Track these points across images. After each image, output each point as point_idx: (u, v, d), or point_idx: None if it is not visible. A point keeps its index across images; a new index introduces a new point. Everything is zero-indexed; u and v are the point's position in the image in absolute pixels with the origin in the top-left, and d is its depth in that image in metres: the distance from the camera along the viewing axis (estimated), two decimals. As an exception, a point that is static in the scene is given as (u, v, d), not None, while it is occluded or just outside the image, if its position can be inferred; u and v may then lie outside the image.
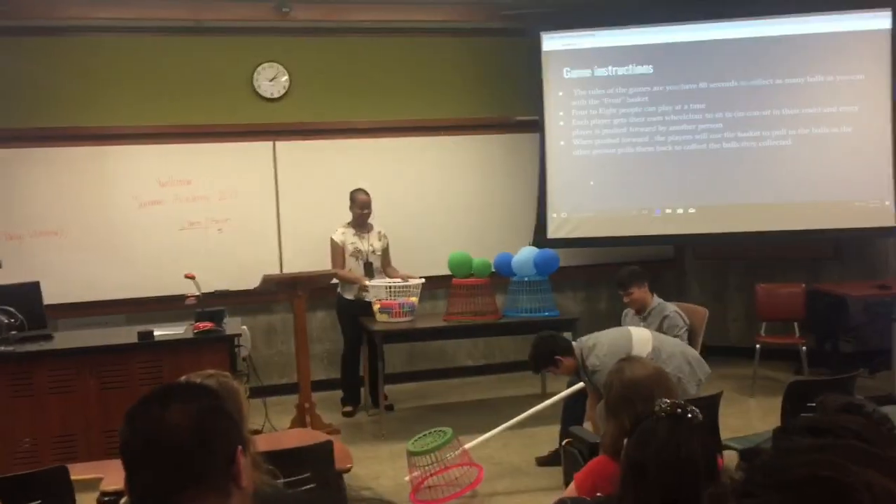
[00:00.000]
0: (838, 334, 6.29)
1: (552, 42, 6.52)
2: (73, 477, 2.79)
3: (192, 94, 6.29)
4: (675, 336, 4.46)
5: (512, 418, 4.60)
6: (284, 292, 5.43)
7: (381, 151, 6.60)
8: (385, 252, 5.97)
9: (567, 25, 6.53)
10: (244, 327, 5.17)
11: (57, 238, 6.03)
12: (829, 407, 1.58)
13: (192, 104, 6.28)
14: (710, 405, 3.52)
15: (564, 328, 5.54)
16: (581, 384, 4.32)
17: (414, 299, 5.55)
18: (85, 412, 4.45)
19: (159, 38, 6.23)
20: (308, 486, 2.77)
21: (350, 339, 5.91)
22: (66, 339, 4.89)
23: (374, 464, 4.75)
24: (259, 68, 6.42)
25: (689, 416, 1.74)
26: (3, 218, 5.90)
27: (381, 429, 5.42)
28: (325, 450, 2.99)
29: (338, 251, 5.81)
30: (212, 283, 5.32)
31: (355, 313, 5.77)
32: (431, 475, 4.15)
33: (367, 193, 5.87)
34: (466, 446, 4.32)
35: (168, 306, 5.69)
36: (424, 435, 4.27)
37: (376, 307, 5.50)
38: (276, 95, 6.46)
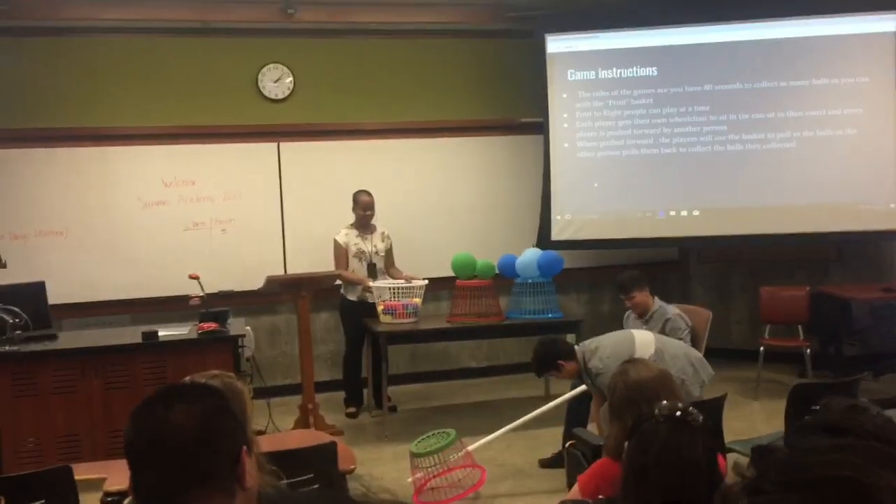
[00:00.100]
0: (842, 337, 6.27)
1: (556, 44, 6.52)
2: (76, 477, 2.79)
3: (197, 94, 6.30)
4: (678, 339, 4.46)
5: (515, 420, 4.59)
6: (288, 293, 5.43)
7: (386, 153, 6.60)
8: (388, 253, 5.97)
9: (571, 27, 6.53)
10: (248, 328, 5.18)
11: (61, 238, 6.04)
12: (833, 410, 1.57)
13: (196, 105, 6.29)
14: (713, 408, 3.52)
15: (568, 330, 5.55)
16: (583, 387, 4.32)
17: (417, 300, 5.56)
18: (89, 412, 4.46)
19: (164, 39, 6.25)
20: (311, 487, 2.77)
21: (352, 340, 5.91)
22: (70, 339, 4.90)
23: (377, 465, 4.75)
24: (264, 69, 6.43)
25: (690, 418, 1.74)
26: (9, 218, 5.91)
27: (384, 430, 5.42)
28: (329, 451, 3.00)
29: (341, 252, 5.81)
30: (216, 283, 5.33)
31: (358, 314, 5.77)
32: (434, 477, 4.15)
33: (369, 195, 5.88)
34: (469, 448, 4.32)
35: (172, 307, 5.70)
36: (428, 436, 4.27)
37: (380, 308, 5.51)
38: (280, 96, 6.47)
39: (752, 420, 5.35)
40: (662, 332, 4.54)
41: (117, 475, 2.90)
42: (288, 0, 6.07)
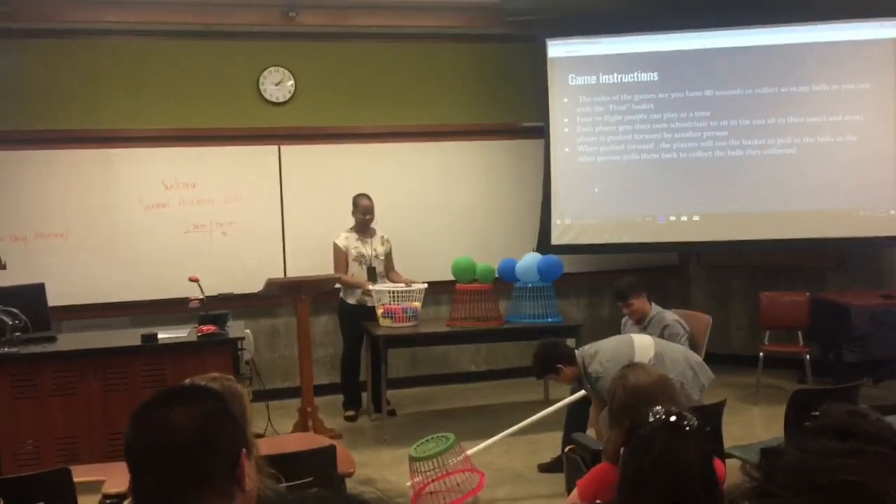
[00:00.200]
0: (842, 343, 6.26)
1: (557, 49, 6.53)
2: (75, 479, 2.79)
3: (198, 97, 6.31)
4: (677, 344, 4.46)
5: (514, 424, 4.59)
6: (288, 296, 5.43)
7: (386, 156, 6.61)
8: (388, 257, 5.97)
9: (572, 32, 6.54)
10: (247, 331, 5.18)
11: (62, 240, 6.04)
12: (839, 414, 1.57)
13: (197, 107, 6.30)
14: (713, 413, 3.51)
15: (567, 334, 5.53)
16: (582, 391, 4.32)
17: (417, 304, 5.56)
18: (88, 414, 4.45)
19: (166, 42, 6.26)
20: (310, 491, 2.76)
21: (350, 343, 5.91)
22: (69, 341, 4.89)
23: (376, 469, 4.74)
24: (265, 72, 6.43)
25: (684, 423, 1.74)
26: (9, 219, 5.91)
27: (383, 434, 5.41)
28: (328, 454, 2.99)
29: (341, 256, 5.81)
30: (216, 286, 5.33)
31: (357, 318, 5.77)
32: (433, 481, 4.15)
33: (369, 198, 5.88)
34: (468, 452, 4.31)
35: (172, 309, 5.69)
36: (427, 440, 4.26)
37: (380, 312, 5.51)
38: (281, 100, 6.48)
39: (752, 426, 5.35)
40: (661, 338, 4.53)
41: (116, 477, 2.90)
42: (289, 3, 6.09)
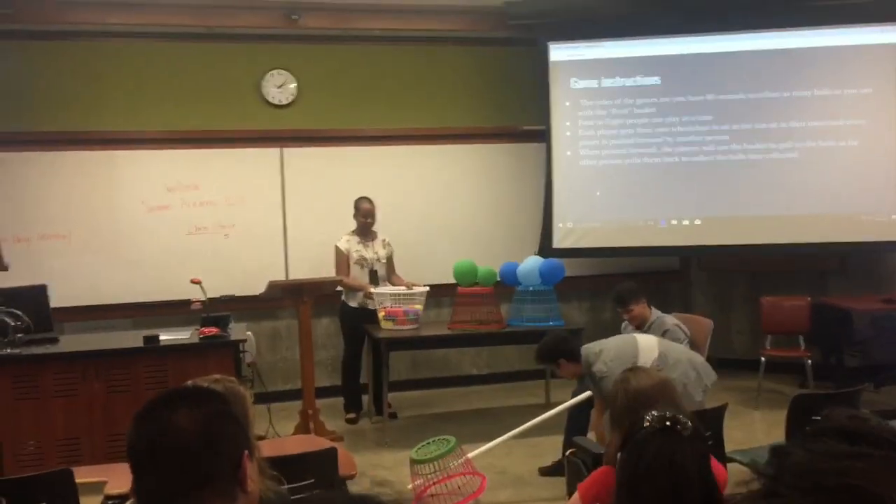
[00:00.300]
0: (843, 348, 6.26)
1: (559, 52, 6.54)
2: (77, 480, 2.79)
3: (201, 99, 6.32)
4: (678, 348, 4.45)
5: (515, 428, 4.59)
6: (290, 298, 5.44)
7: (388, 159, 6.62)
8: (389, 260, 5.98)
9: (574, 36, 6.54)
10: (249, 333, 5.18)
11: (65, 241, 6.05)
12: (835, 420, 1.57)
13: (200, 110, 6.31)
14: (714, 417, 3.51)
15: (569, 338, 5.54)
16: (585, 394, 4.32)
17: (419, 307, 5.56)
18: (90, 416, 4.46)
19: (169, 44, 6.27)
20: (312, 493, 2.77)
21: (351, 346, 5.92)
22: (71, 342, 4.90)
23: (377, 472, 4.74)
24: (267, 75, 6.45)
25: (679, 426, 1.75)
26: (12, 221, 5.92)
27: (384, 436, 5.41)
28: (329, 456, 3.00)
29: (342, 259, 5.82)
30: (218, 288, 5.32)
31: (359, 321, 5.78)
32: (434, 484, 4.15)
33: (370, 202, 5.89)
34: (470, 455, 4.31)
35: (174, 311, 5.70)
36: (428, 443, 4.26)
37: (381, 314, 5.51)
38: (284, 102, 6.49)
39: (753, 430, 5.35)
40: (661, 342, 4.53)
41: (118, 479, 2.90)
42: (292, 6, 6.10)
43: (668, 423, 1.74)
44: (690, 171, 6.40)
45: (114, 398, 4.47)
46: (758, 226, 6.24)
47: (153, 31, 6.14)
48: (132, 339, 4.82)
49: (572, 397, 4.51)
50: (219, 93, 6.35)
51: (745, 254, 6.59)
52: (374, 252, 5.88)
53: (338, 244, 5.85)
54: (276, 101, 6.47)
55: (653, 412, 1.79)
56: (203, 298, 4.97)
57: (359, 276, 5.81)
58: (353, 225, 5.91)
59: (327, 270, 5.83)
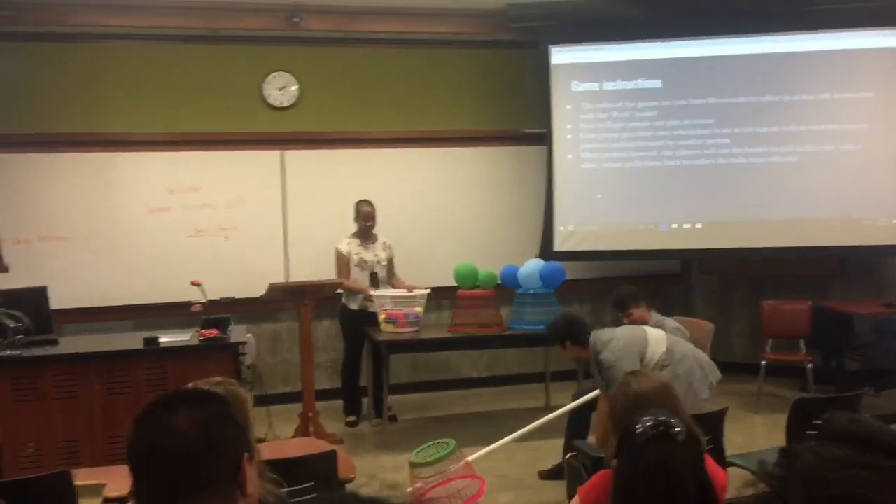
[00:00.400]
0: (844, 352, 6.26)
1: (561, 55, 6.54)
2: (76, 482, 2.79)
3: (202, 101, 6.32)
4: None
5: (516, 431, 4.58)
6: (291, 301, 5.43)
7: (389, 162, 6.62)
8: (390, 262, 5.98)
9: (576, 39, 6.55)
10: (249, 335, 5.17)
11: (65, 243, 6.05)
12: (834, 425, 1.57)
13: (201, 112, 6.31)
14: (715, 421, 3.51)
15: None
16: (585, 397, 4.31)
17: (419, 310, 5.55)
18: (89, 417, 4.45)
19: (170, 46, 6.27)
20: (311, 496, 2.76)
21: (351, 348, 5.91)
22: (71, 344, 4.89)
23: (386, 474, 4.73)
24: (269, 77, 6.45)
25: (672, 431, 1.75)
26: (12, 222, 5.91)
27: (383, 439, 5.41)
28: (329, 459, 2.99)
29: (343, 261, 5.82)
30: (218, 290, 5.32)
31: (359, 323, 5.77)
32: (433, 487, 4.13)
33: (370, 205, 5.88)
34: (469, 458, 4.30)
35: (174, 313, 5.69)
36: (427, 446, 4.24)
37: (382, 317, 5.51)
38: (285, 104, 6.49)
39: (754, 434, 5.34)
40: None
41: (117, 481, 2.89)
42: (294, 8, 6.10)
43: (660, 428, 1.75)
44: (691, 174, 6.40)
45: (113, 400, 4.46)
46: (758, 229, 6.24)
47: (154, 33, 6.14)
48: (132, 340, 4.81)
49: (572, 400, 4.50)
50: (220, 95, 6.35)
51: (746, 257, 6.59)
52: (375, 255, 5.88)
53: (338, 247, 5.85)
54: (277, 104, 6.47)
55: (645, 418, 1.79)
56: (203, 300, 4.97)
57: (359, 278, 5.81)
58: (353, 227, 5.91)
59: (328, 273, 5.83)
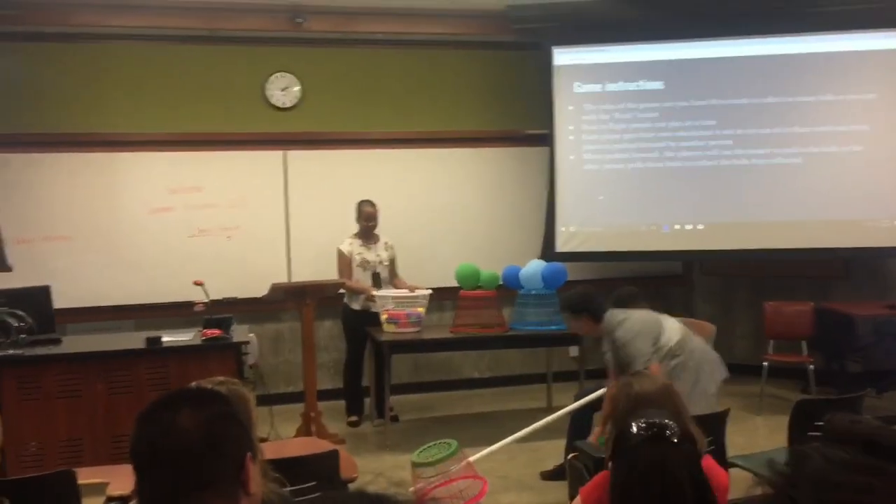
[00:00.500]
0: (846, 354, 6.25)
1: (563, 56, 6.54)
2: (79, 481, 2.79)
3: (205, 102, 6.33)
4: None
5: (517, 431, 4.58)
6: (293, 301, 5.44)
7: (392, 162, 6.62)
8: (392, 263, 5.98)
9: (578, 40, 6.55)
10: (252, 335, 5.18)
11: (67, 243, 6.06)
12: (836, 426, 1.57)
13: (204, 112, 6.32)
14: (716, 422, 3.51)
15: (571, 342, 5.54)
16: (587, 398, 4.32)
17: (421, 310, 5.56)
18: (92, 417, 4.46)
19: (173, 47, 6.28)
20: (314, 495, 2.77)
21: (353, 348, 5.92)
22: (74, 343, 4.89)
23: (394, 472, 4.74)
24: (271, 78, 6.46)
25: (667, 433, 1.75)
26: (15, 222, 5.91)
27: (385, 439, 5.41)
28: (331, 459, 2.99)
29: (345, 262, 5.82)
30: (220, 290, 5.34)
31: (361, 323, 5.78)
32: (435, 487, 4.14)
33: (372, 205, 5.89)
34: (471, 459, 4.30)
35: (176, 313, 5.70)
36: (429, 446, 4.25)
37: (384, 317, 5.51)
38: (287, 105, 6.50)
39: (755, 435, 5.34)
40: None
41: (120, 480, 2.90)
42: (296, 9, 6.11)
43: (654, 430, 1.75)
44: (693, 175, 6.40)
45: (116, 399, 4.47)
46: (761, 231, 6.24)
47: (156, 34, 6.16)
48: (135, 340, 4.81)
49: (574, 401, 4.50)
50: (222, 95, 6.36)
51: (748, 259, 6.59)
52: (377, 255, 5.88)
53: (340, 247, 5.85)
54: (279, 104, 6.48)
55: (640, 420, 1.79)
56: (205, 300, 4.98)
57: (361, 278, 5.81)
58: (355, 228, 5.91)
59: (330, 273, 5.83)
